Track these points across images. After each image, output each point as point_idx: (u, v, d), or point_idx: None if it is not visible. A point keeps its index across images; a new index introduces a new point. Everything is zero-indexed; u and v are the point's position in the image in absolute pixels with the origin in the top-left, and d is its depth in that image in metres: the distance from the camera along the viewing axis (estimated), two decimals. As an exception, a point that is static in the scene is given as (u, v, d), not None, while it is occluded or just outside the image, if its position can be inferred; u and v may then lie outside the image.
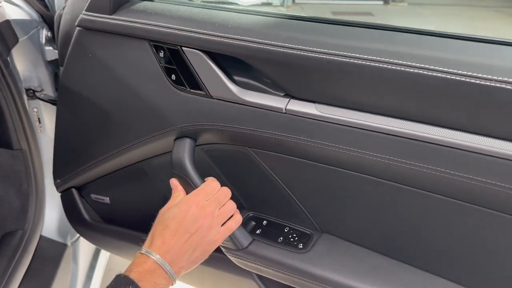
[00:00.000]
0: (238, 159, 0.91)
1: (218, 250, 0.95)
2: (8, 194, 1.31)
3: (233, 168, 0.94)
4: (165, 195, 1.05)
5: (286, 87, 0.78)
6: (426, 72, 0.64)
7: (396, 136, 0.71)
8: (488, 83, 0.61)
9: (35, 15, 1.15)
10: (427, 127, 0.70)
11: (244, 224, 0.96)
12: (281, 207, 0.94)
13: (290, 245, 0.90)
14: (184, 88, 0.85)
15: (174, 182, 0.86)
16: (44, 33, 1.16)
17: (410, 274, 0.82)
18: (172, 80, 0.86)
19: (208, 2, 1.01)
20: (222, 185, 0.98)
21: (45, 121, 1.29)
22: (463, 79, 0.62)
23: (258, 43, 0.75)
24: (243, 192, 0.97)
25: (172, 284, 0.74)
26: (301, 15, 0.82)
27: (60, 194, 1.22)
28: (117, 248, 1.25)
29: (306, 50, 0.72)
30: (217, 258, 1.01)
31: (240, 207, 0.99)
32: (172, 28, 0.82)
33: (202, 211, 0.77)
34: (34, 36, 1.16)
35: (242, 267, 0.94)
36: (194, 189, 0.88)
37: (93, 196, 1.17)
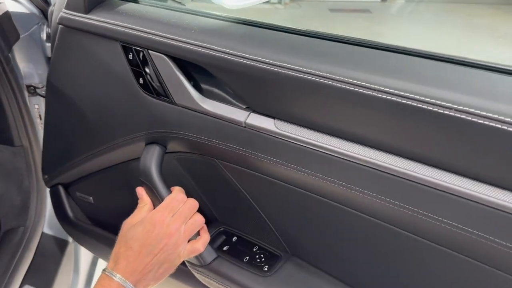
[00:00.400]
0: (208, 170, 0.87)
1: (183, 263, 0.91)
2: (9, 191, 1.33)
3: (205, 179, 0.90)
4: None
5: (247, 99, 0.73)
6: (394, 98, 0.57)
7: (359, 164, 0.64)
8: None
9: (36, 11, 1.16)
10: (394, 158, 0.62)
11: (213, 238, 0.91)
12: (252, 223, 0.88)
13: (255, 266, 0.85)
14: (151, 93, 0.82)
15: (139, 191, 0.84)
16: (45, 29, 1.16)
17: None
18: (140, 84, 0.83)
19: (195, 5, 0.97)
20: (194, 196, 0.94)
21: (45, 118, 1.30)
22: (422, 106, 0.54)
23: (217, 51, 0.71)
24: (216, 204, 0.93)
25: None
26: (274, 24, 0.76)
27: (49, 190, 1.22)
28: (97, 249, 1.24)
29: (264, 62, 0.67)
30: (183, 271, 0.98)
31: (212, 219, 0.95)
32: (139, 31, 0.79)
33: (167, 230, 0.74)
34: (35, 32, 1.17)
35: (204, 283, 0.90)
36: (159, 199, 0.85)
37: (78, 194, 1.17)
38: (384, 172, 0.62)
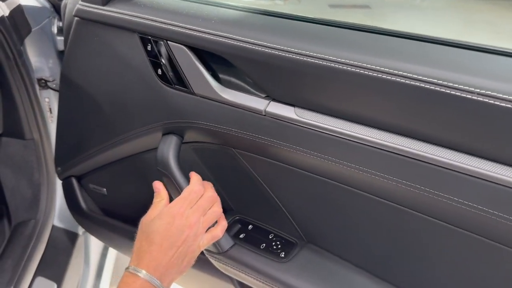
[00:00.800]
0: (225, 159, 0.88)
1: (201, 252, 0.92)
2: (20, 184, 1.34)
3: (221, 168, 0.91)
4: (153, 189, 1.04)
5: (267, 88, 0.74)
6: (414, 83, 0.58)
7: (379, 149, 0.66)
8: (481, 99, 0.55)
9: (47, 5, 1.17)
10: (414, 142, 0.64)
11: (229, 227, 0.93)
12: (268, 212, 0.90)
13: (272, 253, 0.86)
14: (169, 83, 0.83)
15: (157, 186, 0.83)
16: (56, 22, 1.17)
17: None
18: (159, 75, 0.84)
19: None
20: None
21: (56, 111, 1.31)
22: (453, 92, 0.56)
23: (237, 40, 0.72)
24: (231, 193, 0.94)
25: None
26: (291, 13, 0.78)
27: (61, 182, 1.24)
28: (111, 240, 1.26)
29: (283, 51, 0.68)
30: (201, 260, 0.99)
31: (228, 209, 0.97)
32: (158, 22, 0.80)
33: (187, 222, 0.74)
34: (46, 26, 1.18)
35: (222, 270, 0.91)
36: (177, 188, 0.86)
37: (91, 186, 1.18)
38: (404, 156, 0.64)
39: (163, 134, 0.90)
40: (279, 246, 0.87)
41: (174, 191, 0.87)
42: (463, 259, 0.67)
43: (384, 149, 0.65)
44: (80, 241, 1.46)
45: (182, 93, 0.83)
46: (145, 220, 0.76)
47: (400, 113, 0.63)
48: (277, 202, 0.86)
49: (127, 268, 0.71)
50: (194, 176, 0.82)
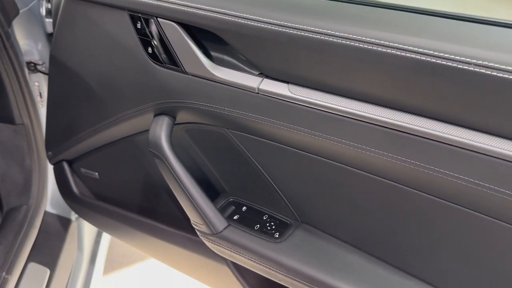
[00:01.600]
0: (218, 140, 0.87)
1: (194, 233, 0.92)
2: (11, 169, 1.33)
3: (213, 149, 0.90)
4: (150, 174, 1.03)
5: (260, 65, 0.73)
6: (410, 55, 0.57)
7: (375, 124, 0.65)
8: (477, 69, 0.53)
9: (35, -14, 1.14)
10: (410, 116, 0.63)
11: (223, 209, 0.92)
12: (261, 193, 0.89)
13: (266, 233, 0.86)
14: (160, 62, 0.82)
15: None
16: (44, 4, 1.15)
17: (386, 273, 0.76)
18: (149, 54, 0.83)
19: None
20: (203, 168, 0.95)
21: (46, 95, 1.29)
22: (451, 64, 0.55)
23: (229, 15, 0.70)
24: (225, 175, 0.93)
25: None
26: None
27: (53, 167, 1.22)
28: (104, 224, 1.25)
29: (277, 25, 0.67)
30: (195, 242, 0.99)
31: (221, 191, 0.96)
32: (148, -2, 0.79)
33: None
34: (34, 7, 1.15)
35: (215, 252, 0.91)
36: (170, 170, 0.85)
37: (83, 170, 1.17)
38: (400, 131, 0.63)
39: (155, 115, 0.88)
40: (273, 227, 0.87)
41: (167, 173, 0.86)
42: (460, 236, 0.67)
43: (380, 124, 0.64)
44: (73, 227, 1.45)
45: (173, 72, 0.81)
46: None
47: (396, 87, 0.61)
48: (271, 183, 0.85)
49: None
50: None
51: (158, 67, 0.82)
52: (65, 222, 1.46)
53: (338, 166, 0.73)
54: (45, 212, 1.44)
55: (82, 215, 1.27)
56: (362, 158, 0.68)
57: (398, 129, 0.63)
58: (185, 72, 0.80)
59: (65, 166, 1.19)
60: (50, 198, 1.45)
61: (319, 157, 0.75)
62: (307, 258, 0.81)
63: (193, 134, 0.90)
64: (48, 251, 1.35)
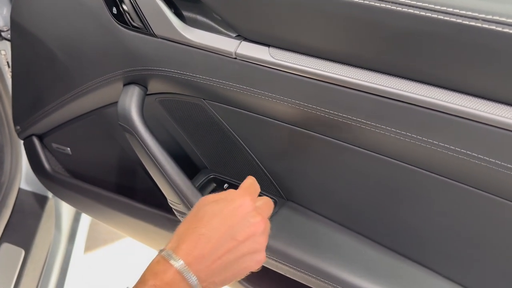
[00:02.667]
0: (194, 112, 0.79)
1: (171, 212, 0.85)
2: (-19, 147, 1.25)
3: (191, 122, 0.82)
4: (124, 150, 0.95)
5: (238, 25, 0.64)
6: (407, 10, 0.49)
7: (367, 92, 0.57)
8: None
9: None
10: (406, 83, 0.55)
11: (203, 186, 0.85)
12: (244, 169, 0.82)
13: (249, 212, 0.79)
14: (126, 24, 0.73)
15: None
16: (4, -36, 1.04)
17: (378, 255, 0.70)
18: (114, 14, 0.73)
19: None
20: (181, 142, 0.87)
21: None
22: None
23: None
24: (204, 150, 0.86)
25: None
26: None
27: (22, 142, 1.14)
28: (79, 203, 1.17)
29: None
30: (173, 221, 0.92)
31: (201, 167, 0.88)
32: (109, -50, 0.69)
33: (258, 214, 0.55)
34: (-6, -33, 1.05)
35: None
36: (143, 146, 0.77)
37: (54, 145, 1.09)
38: (395, 100, 0.56)
39: (124, 85, 0.80)
40: (257, 206, 0.80)
41: (139, 148, 0.78)
42: (456, 214, 0.60)
43: (373, 92, 0.57)
44: (50, 205, 1.38)
45: (141, 35, 0.72)
46: (204, 199, 0.57)
47: (392, 48, 0.53)
48: (253, 158, 0.78)
49: (161, 250, 0.53)
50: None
51: (124, 29, 0.73)
52: (42, 200, 1.38)
53: (325, 140, 0.66)
54: (20, 190, 1.36)
55: (55, 193, 1.20)
56: (353, 130, 0.61)
57: (393, 97, 0.56)
58: (154, 35, 0.71)
59: (35, 141, 1.11)
60: (25, 175, 1.37)
61: (304, 130, 0.67)
62: (292, 238, 0.74)
63: (168, 106, 0.82)
64: (22, 230, 1.28)
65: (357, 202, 0.70)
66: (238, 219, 0.53)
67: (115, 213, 1.04)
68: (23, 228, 1.29)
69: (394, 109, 0.56)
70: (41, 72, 0.94)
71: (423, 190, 0.61)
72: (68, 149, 1.07)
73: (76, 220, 1.51)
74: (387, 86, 0.55)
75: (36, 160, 1.13)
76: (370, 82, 0.56)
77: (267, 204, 0.60)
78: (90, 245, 1.74)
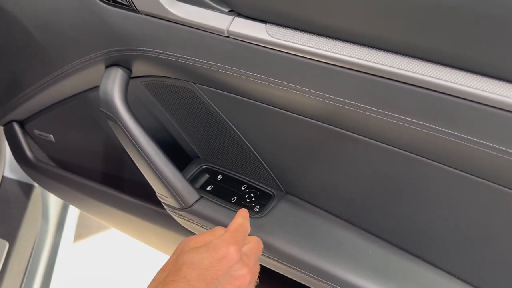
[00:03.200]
0: (184, 97, 0.72)
1: (161, 206, 0.79)
2: (-40, 132, 1.17)
3: (181, 108, 0.75)
4: (109, 137, 0.88)
5: None
6: None
7: (375, 75, 0.50)
8: None
9: None
10: (415, 63, 0.48)
11: (194, 178, 0.79)
12: (239, 159, 0.75)
13: (244, 206, 0.73)
14: (106, -1, 0.65)
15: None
16: None
17: (385, 253, 0.64)
18: (92, -11, 0.66)
19: None
20: (170, 129, 0.80)
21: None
22: None
23: None
24: (196, 138, 0.79)
25: None
26: None
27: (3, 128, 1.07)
28: (64, 194, 1.11)
29: None
30: (163, 215, 0.85)
31: (193, 156, 0.82)
32: None
33: (244, 266, 0.51)
34: None
35: (186, 228, 0.78)
36: (127, 135, 0.70)
37: (36, 132, 1.02)
38: (402, 82, 0.49)
39: (106, 67, 0.72)
40: (253, 199, 0.74)
41: (123, 138, 0.71)
42: (466, 206, 0.54)
43: (383, 76, 0.50)
44: (36, 193, 1.31)
45: (123, 11, 0.65)
46: (184, 244, 0.53)
47: (404, 23, 0.46)
48: (249, 147, 0.71)
49: None
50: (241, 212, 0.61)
51: (104, 5, 0.66)
52: (27, 189, 1.31)
53: (329, 129, 0.59)
54: (3, 178, 1.29)
55: (40, 182, 1.13)
56: (359, 118, 0.54)
57: (405, 81, 0.49)
58: (136, 11, 0.63)
59: (16, 127, 1.04)
60: (9, 163, 1.30)
61: (305, 118, 0.60)
62: (292, 236, 0.68)
63: (155, 90, 0.75)
64: (6, 221, 1.21)
65: (363, 196, 0.64)
66: (220, 273, 0.48)
67: (102, 205, 0.98)
68: (7, 219, 1.22)
69: (405, 94, 0.49)
70: (18, 53, 0.87)
71: (428, 181, 0.55)
72: (51, 136, 1.00)
73: (64, 209, 1.45)
74: (399, 69, 0.48)
75: (18, 147, 1.06)
76: (379, 64, 0.49)
77: (255, 248, 0.55)
78: (82, 233, 1.68)
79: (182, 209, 0.74)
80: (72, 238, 1.44)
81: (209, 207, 0.73)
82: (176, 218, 0.77)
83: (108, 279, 1.56)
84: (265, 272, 0.72)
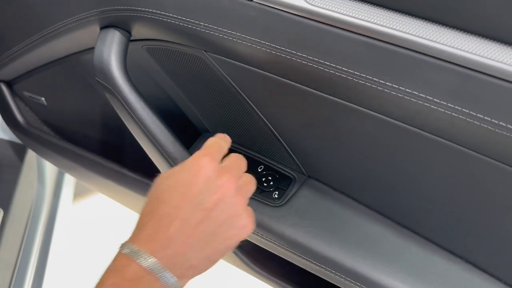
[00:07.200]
0: (194, 65, 0.61)
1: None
2: None
3: (190, 78, 0.65)
4: (107, 104, 0.78)
5: None
6: None
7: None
8: None
9: None
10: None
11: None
12: (255, 137, 0.66)
13: (262, 192, 0.64)
14: None
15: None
16: None
17: (425, 254, 0.56)
18: None
19: None
20: (175, 98, 0.70)
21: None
22: None
23: None
24: (206, 111, 0.69)
25: None
26: None
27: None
28: (57, 161, 1.02)
29: None
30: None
31: (203, 131, 0.72)
32: None
33: (224, 172, 0.46)
34: None
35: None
36: (126, 108, 0.61)
37: (26, 94, 0.92)
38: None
39: (101, 28, 0.61)
40: (271, 183, 0.65)
41: (122, 111, 0.62)
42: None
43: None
44: (31, 156, 1.23)
45: (120, -37, 0.53)
46: (158, 178, 0.48)
47: None
48: (266, 124, 0.62)
49: (121, 244, 0.45)
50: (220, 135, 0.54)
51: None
52: (20, 150, 1.23)
53: (361, 111, 0.50)
54: (-6, 139, 1.21)
55: (31, 147, 1.04)
56: (394, 101, 0.44)
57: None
58: (137, -36, 0.52)
59: (3, 87, 0.94)
60: (2, 123, 1.21)
61: (332, 97, 0.51)
62: (316, 228, 0.60)
63: (158, 55, 0.64)
64: (1, 185, 1.14)
65: (402, 187, 0.55)
66: (200, 185, 0.45)
67: (101, 179, 0.89)
68: (1, 183, 1.14)
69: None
70: (2, 8, 0.75)
71: (463, 167, 0.47)
72: (43, 98, 0.90)
73: (61, 174, 1.37)
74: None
75: (7, 110, 0.96)
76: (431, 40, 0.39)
77: (235, 161, 0.50)
78: (80, 192, 1.61)
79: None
80: (71, 199, 1.37)
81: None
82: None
83: (109, 242, 1.52)
84: (286, 266, 0.65)
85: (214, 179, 0.45)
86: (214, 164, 0.46)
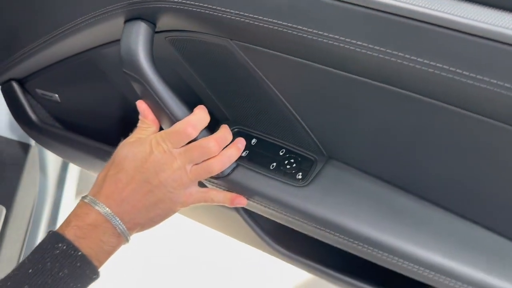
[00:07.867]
0: (217, 54, 0.64)
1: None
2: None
3: (211, 67, 0.67)
4: (123, 96, 0.80)
5: None
6: None
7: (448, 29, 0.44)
8: None
9: None
10: None
11: (227, 143, 0.72)
12: (275, 120, 0.69)
13: (286, 174, 0.67)
14: None
15: (142, 107, 0.65)
16: None
17: (448, 224, 0.60)
18: None
19: None
20: (197, 90, 0.72)
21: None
22: None
23: None
24: (227, 99, 0.71)
25: (124, 243, 0.59)
26: None
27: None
28: (71, 156, 1.04)
29: None
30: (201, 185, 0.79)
31: (222, 118, 0.75)
32: None
33: (174, 161, 0.59)
34: None
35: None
36: (155, 97, 0.63)
37: (39, 91, 0.93)
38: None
39: (126, 21, 0.63)
40: (294, 165, 0.68)
41: (152, 102, 0.64)
42: None
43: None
44: (33, 153, 1.23)
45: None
46: (123, 143, 0.62)
47: None
48: (287, 107, 0.65)
49: (83, 196, 0.59)
50: (199, 107, 0.65)
51: None
52: (23, 149, 1.23)
53: (379, 87, 0.53)
54: (-3, 137, 1.21)
55: (43, 144, 1.05)
56: (415, 74, 0.48)
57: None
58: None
59: (15, 86, 0.94)
60: (3, 121, 1.21)
61: (354, 76, 0.54)
62: (341, 205, 0.63)
63: (181, 46, 0.67)
64: (3, 183, 1.14)
65: (423, 161, 0.59)
66: (150, 164, 0.58)
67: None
68: (4, 181, 1.15)
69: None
70: (17, 6, 0.76)
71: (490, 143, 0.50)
72: (56, 95, 0.91)
73: (63, 169, 1.37)
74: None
75: (19, 108, 0.97)
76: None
77: (191, 148, 0.60)
78: (83, 189, 1.61)
79: (218, 177, 0.68)
80: (74, 197, 1.37)
81: (247, 176, 0.67)
82: (210, 186, 0.71)
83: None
84: (310, 246, 0.68)
85: (163, 163, 0.57)
86: (166, 150, 0.58)
